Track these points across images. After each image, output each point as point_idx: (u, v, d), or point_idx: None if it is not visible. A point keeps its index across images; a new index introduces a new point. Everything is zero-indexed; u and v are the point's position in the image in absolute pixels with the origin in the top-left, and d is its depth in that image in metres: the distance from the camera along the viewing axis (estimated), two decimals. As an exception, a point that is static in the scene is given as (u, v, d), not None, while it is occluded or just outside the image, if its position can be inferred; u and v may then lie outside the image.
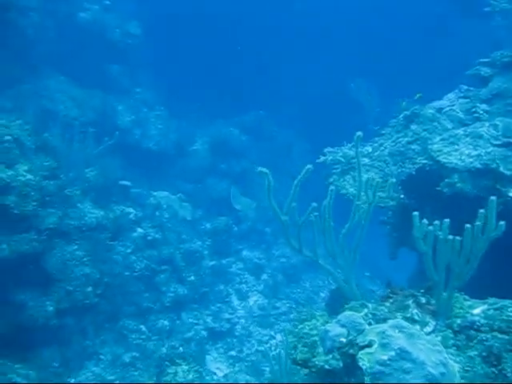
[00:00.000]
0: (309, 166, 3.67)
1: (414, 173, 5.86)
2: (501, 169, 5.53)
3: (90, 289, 7.15)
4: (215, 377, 8.44)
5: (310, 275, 13.05)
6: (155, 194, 11.84)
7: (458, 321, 3.35)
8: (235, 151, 13.95)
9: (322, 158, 6.33)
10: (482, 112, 6.28)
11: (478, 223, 3.03)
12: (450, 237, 3.06)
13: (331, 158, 6.19)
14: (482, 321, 3.33)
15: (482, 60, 7.07)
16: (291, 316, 10.29)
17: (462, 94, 6.86)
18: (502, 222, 3.13)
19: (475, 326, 3.31)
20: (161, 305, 8.97)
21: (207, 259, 11.00)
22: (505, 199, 5.48)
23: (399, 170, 5.77)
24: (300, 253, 4.04)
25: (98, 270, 7.41)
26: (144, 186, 11.69)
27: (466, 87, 7.01)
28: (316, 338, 3.25)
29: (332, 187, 3.75)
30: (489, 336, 3.22)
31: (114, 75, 12.31)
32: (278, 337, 9.76)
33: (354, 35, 12.87)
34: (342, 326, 3.11)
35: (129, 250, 9.27)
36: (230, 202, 13.10)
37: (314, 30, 13.78)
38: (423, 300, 3.28)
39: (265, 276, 11.75)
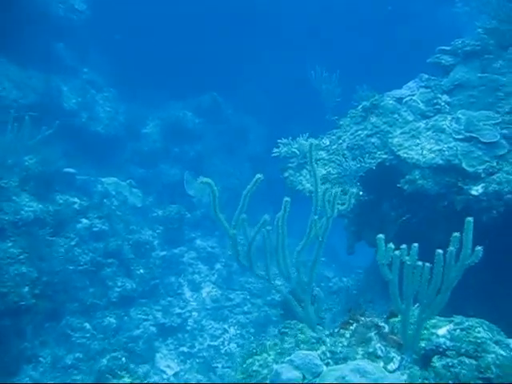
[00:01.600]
0: (258, 176, 3.28)
1: (373, 168, 5.54)
2: (463, 165, 5.27)
3: (26, 289, 6.60)
4: (164, 376, 8.06)
5: (266, 262, 12.74)
6: (103, 180, 11.27)
7: (423, 343, 3.04)
8: (189, 134, 13.44)
9: (276, 151, 5.94)
10: (443, 104, 6.01)
11: (451, 248, 2.69)
12: (419, 263, 2.72)
13: (285, 150, 5.80)
14: (448, 343, 3.03)
15: (442, 48, 6.79)
16: (245, 308, 9.97)
17: (422, 84, 6.58)
18: (478, 248, 2.80)
19: (441, 349, 3.02)
20: (107, 300, 8.47)
21: (158, 249, 10.54)
22: (467, 197, 5.24)
23: (358, 166, 5.43)
24: (251, 271, 3.64)
25: (36, 268, 6.86)
26: (91, 173, 11.09)
27: (426, 76, 6.73)
28: (267, 379, 2.88)
29: (286, 198, 3.36)
30: (455, 361, 2.92)
31: (58, 54, 11.56)
32: (232, 330, 9.42)
33: (314, 21, 12.51)
34: (296, 367, 2.75)
35: (73, 243, 8.70)
36: (183, 187, 12.67)
37: (274, 14, 13.29)
38: (386, 329, 2.96)
39: (218, 265, 11.36)
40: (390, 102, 6.14)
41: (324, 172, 5.66)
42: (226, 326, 9.46)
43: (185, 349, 8.82)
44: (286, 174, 5.84)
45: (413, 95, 6.49)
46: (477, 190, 5.17)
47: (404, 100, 6.44)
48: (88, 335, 7.84)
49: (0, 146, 7.84)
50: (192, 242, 11.68)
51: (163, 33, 12.83)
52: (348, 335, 3.04)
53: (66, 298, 8.03)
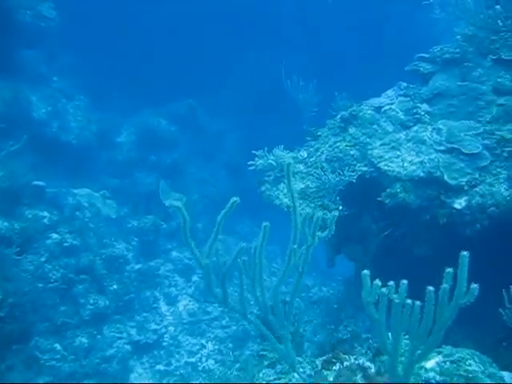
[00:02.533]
0: (235, 199, 3.03)
1: (354, 181, 5.33)
2: (445, 178, 5.09)
3: (-10, 312, 6.27)
4: (140, 397, 7.76)
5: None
6: (76, 192, 10.90)
7: (411, 379, 2.82)
8: (164, 142, 13.11)
9: (252, 163, 5.70)
10: (423, 113, 5.84)
11: (444, 286, 2.47)
12: (409, 301, 2.50)
13: (261, 162, 5.57)
14: (438, 378, 2.82)
15: (421, 55, 6.62)
16: (223, 322, 9.69)
17: (401, 92, 6.40)
18: (474, 285, 2.58)
19: (430, 386, 2.80)
20: (79, 319, 8.13)
21: (133, 262, 10.22)
22: (449, 211, 5.06)
23: (337, 179, 5.22)
24: (225, 305, 3.39)
25: (2, 290, 6.51)
26: (63, 185, 10.72)
27: (405, 84, 6.56)
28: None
29: (266, 223, 3.12)
30: (446, 399, 2.71)
31: (26, 62, 11.15)
32: (210, 346, 9.15)
33: (292, 29, 12.34)
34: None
35: (42, 259, 8.36)
36: (158, 197, 12.35)
37: (250, 19, 13.06)
38: (373, 369, 2.74)
39: (195, 277, 11.08)
40: (369, 111, 5.95)
41: (302, 186, 5.44)
42: (203, 341, 9.19)
43: (161, 367, 8.53)
44: (263, 188, 5.61)
45: (392, 104, 6.31)
46: (460, 203, 5.00)
47: (383, 109, 6.25)
48: (58, 356, 7.50)
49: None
50: (168, 253, 11.37)
51: (136, 39, 12.54)
52: (331, 378, 2.81)
53: (35, 317, 7.68)
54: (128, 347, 8.39)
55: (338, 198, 5.39)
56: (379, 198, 5.25)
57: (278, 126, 13.90)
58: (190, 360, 8.74)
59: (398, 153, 5.37)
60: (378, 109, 6.33)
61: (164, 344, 8.98)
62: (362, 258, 5.95)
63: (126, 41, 12.59)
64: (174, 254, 11.30)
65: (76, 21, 11.71)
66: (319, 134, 6.04)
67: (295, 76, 6.98)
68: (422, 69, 6.37)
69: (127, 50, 12.64)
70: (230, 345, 9.18)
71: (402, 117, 5.95)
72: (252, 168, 5.71)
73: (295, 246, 3.22)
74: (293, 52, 12.81)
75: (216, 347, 9.10)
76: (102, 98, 12.86)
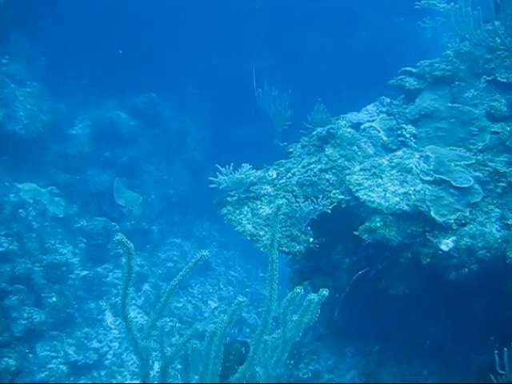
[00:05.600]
0: (202, 255, 2.33)
1: (329, 212, 4.65)
2: (432, 213, 4.47)
3: None
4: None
5: (200, 279, 11.82)
6: (20, 186, 9.97)
7: None
8: (122, 138, 12.17)
9: (215, 181, 4.96)
10: (408, 135, 5.22)
11: None
12: None
13: (225, 179, 4.83)
14: None
15: (407, 69, 6.01)
16: (173, 340, 8.94)
17: (383, 109, 5.79)
18: None
19: None
20: (9, 335, 7.24)
21: (78, 268, 9.36)
22: (434, 251, 4.44)
23: (311, 208, 4.53)
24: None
25: None
26: (6, 178, 9.78)
27: (388, 100, 5.95)
28: None
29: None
30: None
31: (-29, 42, 10.15)
32: (156, 366, 8.37)
33: (265, 34, 11.66)
34: None
35: (-28, 265, 7.47)
36: (112, 195, 11.51)
37: (222, 17, 12.27)
38: None
39: (147, 286, 10.31)
40: (349, 130, 5.29)
41: (269, 211, 4.74)
42: (150, 362, 8.40)
43: (99, 390, 7.73)
44: (224, 211, 4.88)
45: (372, 121, 5.68)
46: (447, 244, 4.39)
47: (363, 126, 5.62)
48: (-21, 381, 6.63)
49: None
50: (118, 258, 10.53)
51: (98, 24, 11.57)
52: None
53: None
54: (64, 368, 7.54)
55: (308, 228, 4.71)
56: (356, 232, 4.59)
57: (243, 129, 13.21)
58: (133, 382, 7.96)
59: (380, 181, 4.73)
60: (356, 125, 5.69)
61: (106, 363, 8.18)
62: (332, 294, 5.29)
63: (88, 25, 11.60)
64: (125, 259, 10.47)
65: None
66: (291, 150, 5.34)
67: (267, 84, 6.26)
68: (407, 84, 5.76)
69: (88, 36, 11.65)
70: (179, 366, 8.44)
71: (385, 138, 5.32)
72: (213, 186, 4.98)
73: (267, 339, 2.50)
74: (263, 57, 12.15)
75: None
76: (57, 85, 11.85)
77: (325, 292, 2.88)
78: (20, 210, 9.29)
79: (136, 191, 11.97)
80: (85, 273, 9.38)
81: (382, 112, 5.76)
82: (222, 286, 11.87)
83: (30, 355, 7.33)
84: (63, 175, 11.10)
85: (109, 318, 9.14)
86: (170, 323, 9.50)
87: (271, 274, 2.57)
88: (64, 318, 8.13)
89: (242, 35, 11.88)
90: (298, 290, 2.83)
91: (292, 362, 6.20)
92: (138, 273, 10.36)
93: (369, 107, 5.98)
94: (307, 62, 11.34)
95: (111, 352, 8.38)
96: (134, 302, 9.77)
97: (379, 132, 5.39)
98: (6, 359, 6.92)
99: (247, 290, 12.03)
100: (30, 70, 11.40)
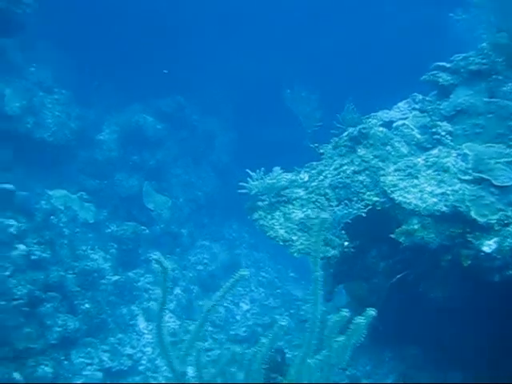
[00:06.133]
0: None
1: (363, 215, 4.52)
2: (472, 214, 4.29)
3: None
4: None
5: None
6: (51, 193, 10.03)
7: None
8: (149, 141, 12.18)
9: (245, 186, 4.87)
10: (443, 133, 5.03)
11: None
12: None
13: (256, 185, 4.73)
14: None
15: (440, 64, 5.80)
16: (206, 344, 8.88)
17: (416, 106, 5.61)
18: None
19: None
20: (44, 343, 7.27)
21: (110, 273, 9.38)
22: (476, 253, 4.26)
23: (345, 212, 4.40)
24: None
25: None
26: (37, 186, 9.85)
27: (420, 96, 5.77)
28: None
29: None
30: None
31: (0, 51, 10.22)
32: (190, 371, 8.32)
33: (290, 32, 11.50)
34: None
35: (7, 273, 7.51)
36: (141, 199, 11.53)
37: (249, 16, 12.17)
38: None
39: (178, 290, 10.29)
40: (381, 129, 5.13)
41: (301, 215, 4.63)
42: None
43: (135, 397, 7.72)
44: (256, 216, 4.79)
45: (405, 119, 5.52)
46: (489, 245, 4.20)
47: (395, 124, 5.46)
48: (17, 388, 6.66)
49: None
50: (149, 262, 10.54)
51: (123, 29, 11.60)
52: None
53: (-7, 341, 6.83)
54: (99, 375, 7.55)
55: (343, 232, 4.58)
56: (392, 235, 4.44)
57: (270, 129, 13.08)
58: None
59: (416, 181, 4.57)
60: (388, 123, 5.53)
61: (140, 368, 8.16)
62: (367, 298, 5.16)
63: (113, 31, 11.64)
64: (155, 264, 10.45)
65: (56, 7, 10.75)
66: (322, 151, 5.21)
67: (296, 85, 6.14)
68: (441, 80, 5.57)
69: (113, 41, 11.69)
70: (213, 370, 8.38)
71: (419, 136, 5.15)
72: (243, 191, 4.88)
73: (311, 362, 2.38)
74: (289, 56, 11.99)
75: (197, 374, 8.27)
76: (83, 92, 11.93)
77: (372, 312, 2.75)
78: (51, 217, 9.33)
79: (165, 194, 11.97)
80: (116, 278, 9.40)
81: (414, 109, 5.58)
82: (253, 288, 11.78)
83: (66, 362, 7.36)
84: (92, 181, 11.17)
85: (141, 323, 9.15)
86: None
87: (315, 292, 2.45)
88: (97, 324, 8.15)
89: (267, 34, 11.76)
90: (345, 313, 2.71)
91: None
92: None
93: (400, 104, 5.81)
94: (335, 60, 11.16)
95: (145, 357, 8.37)
96: (165, 306, 9.74)
97: (413, 130, 5.23)
98: (43, 367, 6.95)
99: (278, 291, 11.94)
100: (57, 77, 11.48)
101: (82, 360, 7.54)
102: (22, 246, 7.87)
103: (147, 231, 10.89)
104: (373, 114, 5.78)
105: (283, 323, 2.82)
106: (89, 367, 7.52)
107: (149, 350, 8.58)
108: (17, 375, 6.75)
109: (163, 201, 11.94)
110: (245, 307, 10.95)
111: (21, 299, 7.45)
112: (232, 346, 8.84)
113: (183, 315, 9.59)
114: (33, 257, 7.84)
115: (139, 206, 11.45)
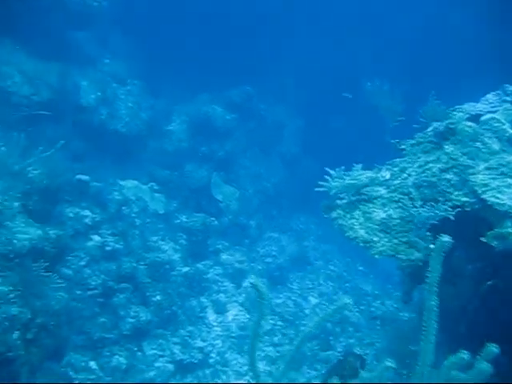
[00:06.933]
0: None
1: (451, 218, 4.24)
2: None
3: (15, 335, 5.55)
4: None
5: (298, 274, 11.64)
6: (122, 183, 10.19)
7: None
8: (218, 132, 12.14)
9: (324, 185, 4.67)
10: (540, 128, 4.64)
11: None
12: None
13: (336, 185, 4.53)
14: None
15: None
16: (275, 339, 8.80)
17: (508, 98, 5.21)
18: None
19: None
20: (118, 333, 7.40)
21: (180, 264, 9.43)
22: None
23: (430, 213, 4.14)
24: None
25: (30, 308, 5.79)
26: (109, 174, 10.02)
27: (512, 88, 5.36)
28: None
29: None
30: None
31: (76, 44, 10.43)
32: (260, 366, 8.25)
33: (363, 19, 11.11)
34: None
35: (82, 263, 7.68)
36: (210, 191, 11.53)
37: (318, 4, 11.87)
38: None
39: (246, 283, 10.23)
40: (469, 124, 4.79)
41: (383, 215, 4.40)
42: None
43: (205, 389, 7.73)
44: (334, 215, 4.59)
45: (494, 112, 5.14)
46: None
47: (483, 118, 5.09)
48: (93, 377, 6.79)
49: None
50: (218, 254, 10.57)
51: (191, 20, 11.59)
52: None
53: (70, 330, 6.99)
54: (170, 367, 7.60)
55: (428, 233, 4.31)
56: (483, 239, 4.14)
57: (341, 119, 12.77)
58: (237, 383, 7.90)
59: (510, 181, 4.24)
60: (475, 117, 5.17)
61: (210, 361, 8.17)
62: (453, 301, 4.87)
63: (182, 23, 11.66)
64: (224, 256, 10.48)
65: (129, 1, 10.85)
66: (404, 147, 4.94)
67: (376, 77, 5.85)
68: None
69: (182, 33, 11.72)
70: (282, 366, 8.29)
71: (511, 130, 4.78)
72: (321, 189, 4.69)
73: None
74: (363, 45, 11.61)
75: (266, 368, 8.21)
76: (154, 82, 12.04)
77: (494, 349, 2.50)
78: (123, 208, 9.48)
79: (233, 186, 11.92)
80: (186, 269, 9.45)
81: (505, 101, 5.20)
82: (321, 281, 11.59)
83: (139, 353, 7.46)
84: (162, 171, 11.25)
85: (211, 316, 9.17)
86: (270, 321, 9.36)
87: (428, 324, 2.24)
88: (168, 316, 8.23)
89: (341, 22, 11.43)
90: (463, 355, 2.48)
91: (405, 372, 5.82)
92: (238, 270, 10.34)
93: (489, 96, 5.43)
94: (411, 49, 10.70)
95: (215, 351, 8.37)
96: (234, 298, 9.76)
97: (503, 124, 4.86)
98: (117, 357, 7.07)
99: (347, 284, 11.71)
100: (129, 68, 11.63)
101: (154, 352, 7.62)
102: (96, 237, 8.04)
103: (216, 222, 10.91)
104: (457, 106, 5.43)
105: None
106: (160, 359, 7.60)
107: (218, 342, 8.58)
108: (93, 364, 6.89)
109: (231, 192, 11.89)
110: (313, 301, 10.77)
111: (95, 289, 7.61)
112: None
113: (252, 309, 9.53)
114: (107, 248, 7.98)
115: (208, 197, 11.45)
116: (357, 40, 11.77)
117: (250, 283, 2.23)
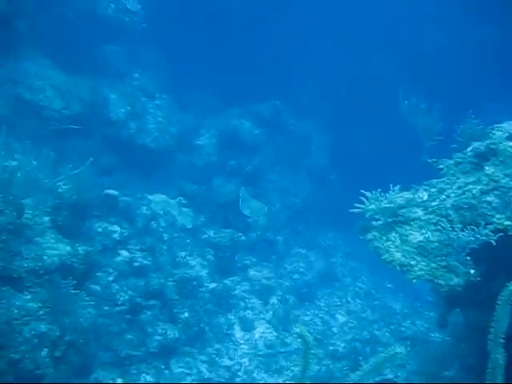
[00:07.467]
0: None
1: (493, 242, 4.07)
2: None
3: (44, 353, 5.51)
4: None
5: (326, 291, 11.45)
6: (150, 198, 10.19)
7: None
8: (246, 146, 12.06)
9: (360, 207, 4.55)
10: None
11: None
12: None
13: (373, 208, 4.40)
14: None
15: None
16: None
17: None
18: None
19: None
20: (145, 351, 7.33)
21: (208, 280, 9.36)
22: None
23: (471, 238, 3.98)
24: None
25: (59, 326, 5.76)
26: (137, 189, 10.02)
27: (553, 105, 5.16)
28: None
29: None
30: None
31: (106, 58, 10.51)
32: (288, 387, 8.12)
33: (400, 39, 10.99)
34: None
35: (110, 278, 7.66)
36: (237, 205, 11.44)
37: (343, 20, 11.79)
38: None
39: (274, 299, 10.11)
40: (510, 144, 4.63)
41: (420, 238, 4.25)
42: (280, 381, 8.17)
43: (232, 409, 7.61)
44: (370, 237, 4.46)
45: (535, 130, 4.97)
46: None
47: (523, 137, 4.92)
48: (120, 397, 6.73)
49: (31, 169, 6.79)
50: (245, 270, 10.48)
51: (219, 37, 11.61)
52: None
53: (97, 347, 6.94)
54: (197, 386, 7.52)
55: (468, 258, 4.15)
56: (526, 265, 3.97)
57: (370, 134, 12.61)
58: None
59: (555, 204, 4.07)
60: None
61: (237, 380, 8.05)
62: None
63: (210, 38, 11.70)
64: (252, 272, 10.38)
65: (159, 15, 10.91)
66: (442, 167, 4.79)
67: (413, 95, 5.71)
68: None
69: (211, 47, 11.75)
70: (310, 388, 8.12)
71: (554, 151, 4.61)
72: (357, 211, 4.57)
73: None
74: (391, 62, 11.48)
75: (294, 389, 8.04)
76: (183, 96, 12.07)
77: None
78: (152, 222, 9.47)
79: (261, 200, 11.83)
80: (213, 285, 9.38)
81: (545, 120, 5.03)
82: (349, 299, 11.39)
83: (166, 371, 7.38)
84: (190, 185, 11.21)
85: (238, 333, 9.07)
86: (299, 339, 9.19)
87: (492, 377, 2.10)
88: (195, 333, 8.15)
89: (370, 37, 11.34)
90: None
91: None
92: (266, 286, 10.23)
93: (529, 115, 5.26)
94: (442, 66, 10.51)
95: (242, 369, 8.25)
96: (261, 316, 9.63)
97: (546, 144, 4.69)
98: (144, 375, 7.00)
99: (376, 302, 11.48)
100: (158, 82, 11.68)
101: (182, 370, 7.53)
102: (125, 253, 8.01)
103: (243, 238, 10.83)
104: (496, 125, 5.27)
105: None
106: (188, 378, 7.50)
107: (245, 361, 8.46)
108: (120, 381, 6.83)
109: (259, 207, 11.79)
110: (341, 319, 10.57)
111: (123, 305, 7.57)
112: (331, 362, 8.55)
113: (279, 326, 9.39)
114: (135, 263, 7.95)
115: (235, 212, 11.36)
116: (385, 54, 11.65)
117: (296, 333, 2.10)
